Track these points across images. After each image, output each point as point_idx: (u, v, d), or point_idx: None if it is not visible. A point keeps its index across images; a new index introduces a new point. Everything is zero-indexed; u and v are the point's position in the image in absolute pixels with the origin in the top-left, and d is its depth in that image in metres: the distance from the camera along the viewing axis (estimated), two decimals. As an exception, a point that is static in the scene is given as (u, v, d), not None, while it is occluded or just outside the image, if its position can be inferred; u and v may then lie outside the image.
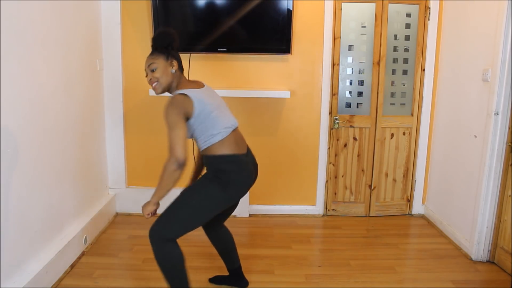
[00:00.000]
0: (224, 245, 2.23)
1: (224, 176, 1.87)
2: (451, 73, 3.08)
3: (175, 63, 1.90)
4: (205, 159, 1.94)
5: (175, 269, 1.92)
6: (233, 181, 1.88)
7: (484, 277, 2.55)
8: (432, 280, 2.47)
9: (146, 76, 1.91)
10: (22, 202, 2.11)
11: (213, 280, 2.40)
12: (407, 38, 3.25)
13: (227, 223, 2.26)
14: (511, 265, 2.51)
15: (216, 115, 1.89)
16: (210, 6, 3.01)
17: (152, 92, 3.05)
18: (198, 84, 1.97)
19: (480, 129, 2.66)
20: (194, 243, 2.87)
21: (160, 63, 1.87)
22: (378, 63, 3.23)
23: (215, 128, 1.87)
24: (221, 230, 2.21)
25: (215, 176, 1.88)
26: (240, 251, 2.69)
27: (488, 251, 2.69)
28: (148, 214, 1.88)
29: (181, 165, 1.73)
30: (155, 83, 1.88)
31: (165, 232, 1.86)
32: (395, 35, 3.23)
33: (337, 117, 3.28)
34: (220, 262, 2.53)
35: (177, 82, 1.93)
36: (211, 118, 1.87)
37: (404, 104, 3.35)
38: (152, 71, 1.88)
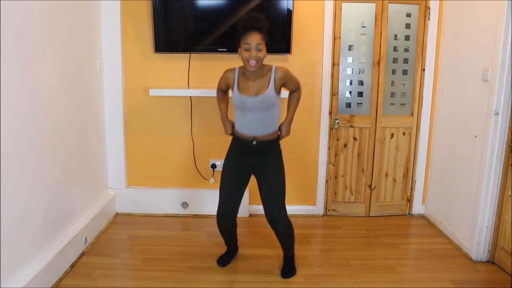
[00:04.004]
0: None
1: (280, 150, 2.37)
2: (451, 73, 3.08)
3: None
4: (269, 140, 2.26)
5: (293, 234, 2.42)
6: None
7: (484, 277, 2.55)
8: (432, 280, 2.47)
9: (246, 50, 2.11)
10: (22, 202, 2.11)
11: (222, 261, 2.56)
12: (407, 38, 3.24)
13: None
14: (511, 265, 2.51)
15: None
16: (210, 6, 3.01)
17: (152, 92, 3.06)
18: None
19: (480, 129, 2.66)
20: (194, 243, 2.88)
21: (263, 44, 2.15)
22: (378, 63, 3.23)
23: None
24: None
25: (279, 152, 2.33)
26: (240, 251, 2.70)
27: (488, 251, 2.69)
28: None
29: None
30: (257, 61, 2.14)
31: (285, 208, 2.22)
32: (395, 35, 3.23)
33: (337, 117, 3.27)
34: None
35: None
36: None
37: (404, 104, 3.35)
38: (259, 50, 2.12)
